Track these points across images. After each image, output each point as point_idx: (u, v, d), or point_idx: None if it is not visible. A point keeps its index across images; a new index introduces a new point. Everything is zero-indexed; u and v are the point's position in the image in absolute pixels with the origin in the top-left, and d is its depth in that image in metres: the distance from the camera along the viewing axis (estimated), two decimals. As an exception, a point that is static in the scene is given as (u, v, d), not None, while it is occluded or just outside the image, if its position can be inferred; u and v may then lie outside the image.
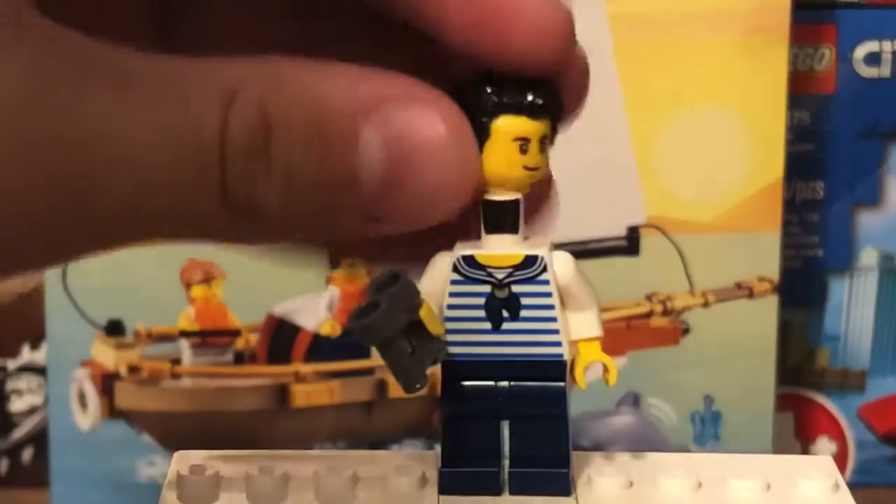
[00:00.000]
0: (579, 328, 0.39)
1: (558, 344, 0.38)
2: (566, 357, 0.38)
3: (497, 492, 0.39)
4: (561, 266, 0.38)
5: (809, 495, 0.41)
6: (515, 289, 0.38)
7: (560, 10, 0.34)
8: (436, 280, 0.37)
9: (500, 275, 0.37)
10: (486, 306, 0.38)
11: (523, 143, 0.36)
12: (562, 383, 0.39)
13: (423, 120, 0.33)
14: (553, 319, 0.38)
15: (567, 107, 0.36)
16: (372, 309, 0.35)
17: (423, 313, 0.36)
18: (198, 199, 0.31)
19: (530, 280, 0.38)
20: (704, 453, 0.64)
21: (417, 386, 0.36)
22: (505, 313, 0.38)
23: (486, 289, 0.37)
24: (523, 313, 0.38)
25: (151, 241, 0.33)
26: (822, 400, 0.75)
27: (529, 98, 0.35)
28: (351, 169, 0.32)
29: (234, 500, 0.39)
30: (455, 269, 0.37)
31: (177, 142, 0.31)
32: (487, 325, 0.38)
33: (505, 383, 0.38)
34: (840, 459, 0.75)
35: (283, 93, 0.32)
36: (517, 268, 0.37)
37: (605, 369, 0.39)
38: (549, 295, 0.38)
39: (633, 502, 0.40)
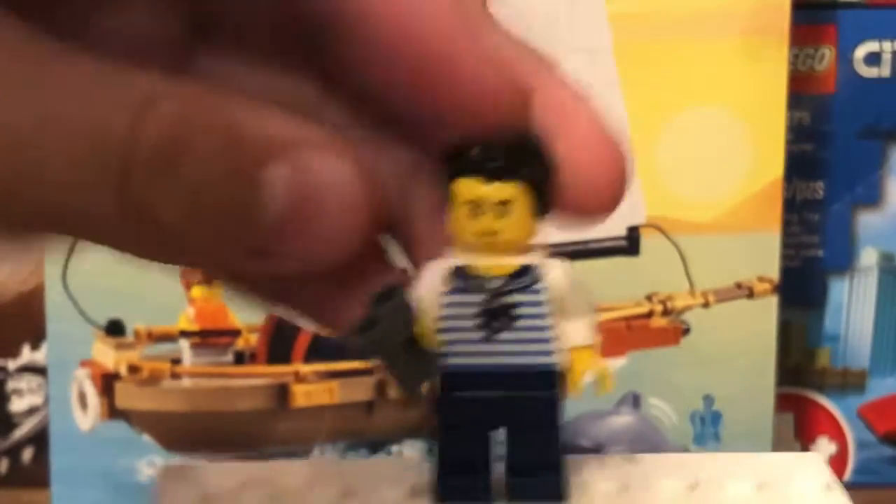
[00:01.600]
0: (571, 336, 0.39)
1: (551, 353, 0.38)
2: (559, 366, 0.38)
3: (491, 501, 0.39)
4: (555, 274, 0.38)
5: (802, 493, 0.41)
6: (509, 298, 0.37)
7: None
8: (429, 290, 0.37)
9: (493, 284, 0.37)
10: (479, 316, 0.37)
11: (473, 206, 0.35)
12: (554, 392, 0.39)
13: (330, 166, 0.33)
14: (546, 328, 0.38)
15: (573, 200, 0.36)
16: (372, 323, 0.35)
17: (418, 327, 0.36)
18: (95, 199, 0.31)
19: (524, 289, 0.38)
20: (696, 453, 0.64)
21: (418, 397, 0.36)
22: (498, 323, 0.38)
23: (480, 298, 0.37)
24: (517, 323, 0.38)
25: (55, 234, 0.33)
26: (822, 400, 0.75)
27: (487, 159, 0.35)
28: (253, 200, 0.32)
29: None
30: (448, 279, 0.37)
31: (77, 139, 0.31)
32: (481, 335, 0.38)
33: (498, 393, 0.38)
34: (840, 459, 0.75)
35: (203, 111, 0.32)
36: (511, 277, 0.37)
37: (600, 376, 0.39)
38: (542, 304, 0.38)
39: None
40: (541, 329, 0.38)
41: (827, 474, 0.41)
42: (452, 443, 0.39)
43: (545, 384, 0.38)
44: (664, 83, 0.68)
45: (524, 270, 0.37)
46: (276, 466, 0.41)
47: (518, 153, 0.35)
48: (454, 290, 0.37)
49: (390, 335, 0.35)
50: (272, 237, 0.33)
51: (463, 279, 0.37)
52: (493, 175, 0.35)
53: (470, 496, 0.39)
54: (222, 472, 0.40)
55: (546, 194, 0.36)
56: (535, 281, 0.37)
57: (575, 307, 0.38)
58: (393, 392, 0.70)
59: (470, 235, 0.36)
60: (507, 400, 0.38)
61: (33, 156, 0.31)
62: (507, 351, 0.38)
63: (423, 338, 0.37)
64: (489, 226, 0.36)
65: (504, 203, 0.35)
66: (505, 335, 0.38)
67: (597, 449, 0.70)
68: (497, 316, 0.37)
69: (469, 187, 0.35)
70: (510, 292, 0.37)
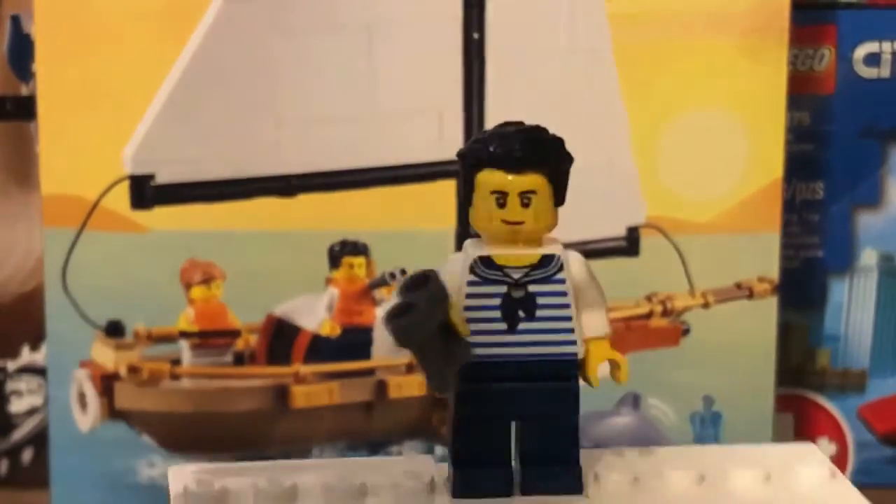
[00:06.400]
0: (590, 327, 0.39)
1: (573, 343, 0.38)
2: (580, 355, 0.38)
3: (510, 492, 0.39)
4: (576, 265, 0.38)
5: (809, 483, 0.41)
6: (531, 288, 0.38)
7: None
8: (452, 281, 0.37)
9: (516, 275, 0.38)
10: (501, 307, 0.38)
11: (499, 196, 0.36)
12: (574, 382, 0.39)
13: None
14: (568, 318, 0.38)
15: None
16: (407, 309, 0.35)
17: (452, 314, 0.36)
18: None
19: (546, 279, 0.38)
20: (701, 446, 0.64)
21: (450, 387, 0.36)
22: (521, 313, 0.38)
23: (503, 289, 0.37)
24: (539, 313, 0.38)
25: None
26: (823, 400, 0.75)
27: (511, 151, 0.36)
28: None
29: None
30: (471, 270, 0.37)
31: None
32: (503, 326, 0.38)
33: (520, 383, 0.38)
34: (840, 460, 0.75)
35: None
36: (534, 267, 0.38)
37: (616, 366, 0.39)
38: (564, 294, 0.38)
39: (639, 497, 0.40)
40: (562, 319, 0.38)
41: (827, 463, 0.42)
42: (471, 434, 0.39)
43: (566, 374, 0.39)
44: (664, 83, 0.68)
45: (545, 261, 0.38)
46: (292, 465, 0.40)
47: (538, 146, 0.36)
48: (478, 281, 0.37)
49: (425, 321, 0.35)
50: None
51: (487, 269, 0.37)
52: (517, 166, 0.36)
53: (489, 489, 0.39)
54: (239, 472, 0.40)
55: (563, 187, 0.37)
56: (557, 271, 0.38)
57: (592, 299, 0.39)
58: (393, 392, 0.70)
59: (497, 225, 0.36)
60: (528, 391, 0.38)
61: None
62: (530, 341, 0.38)
63: (457, 326, 0.36)
64: (515, 215, 0.36)
65: (528, 194, 0.36)
66: (527, 325, 0.38)
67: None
68: (520, 306, 0.38)
69: (496, 177, 0.36)
70: (532, 283, 0.38)
